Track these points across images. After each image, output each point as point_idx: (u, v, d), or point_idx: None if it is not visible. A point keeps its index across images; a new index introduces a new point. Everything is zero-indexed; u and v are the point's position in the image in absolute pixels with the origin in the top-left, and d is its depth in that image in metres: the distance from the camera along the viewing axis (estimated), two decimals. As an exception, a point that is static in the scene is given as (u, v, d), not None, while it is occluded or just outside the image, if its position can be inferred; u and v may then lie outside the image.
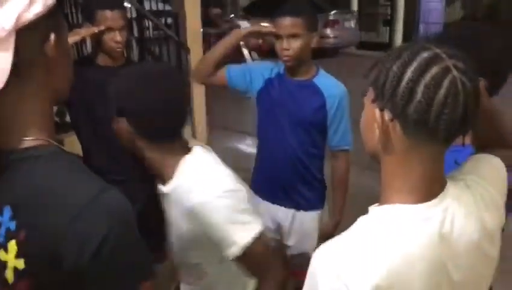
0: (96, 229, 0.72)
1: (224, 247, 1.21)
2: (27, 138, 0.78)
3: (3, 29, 0.71)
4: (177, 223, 1.30)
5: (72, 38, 1.96)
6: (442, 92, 0.74)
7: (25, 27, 0.73)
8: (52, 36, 0.78)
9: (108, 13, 1.97)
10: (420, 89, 0.74)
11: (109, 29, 1.98)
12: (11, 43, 0.72)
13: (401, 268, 0.76)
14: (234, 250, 1.19)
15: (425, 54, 0.77)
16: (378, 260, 0.76)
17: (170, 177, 1.26)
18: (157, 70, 1.32)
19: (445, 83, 0.74)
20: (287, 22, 1.91)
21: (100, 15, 1.96)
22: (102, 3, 1.99)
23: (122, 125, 1.23)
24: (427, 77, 0.74)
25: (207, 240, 1.23)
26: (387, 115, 0.78)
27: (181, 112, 1.27)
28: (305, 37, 1.92)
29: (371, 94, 0.82)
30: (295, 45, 1.91)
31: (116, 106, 1.24)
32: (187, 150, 1.29)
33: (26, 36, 0.74)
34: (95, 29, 1.97)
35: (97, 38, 2.03)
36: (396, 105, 0.76)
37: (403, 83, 0.75)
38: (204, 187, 1.20)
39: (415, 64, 0.76)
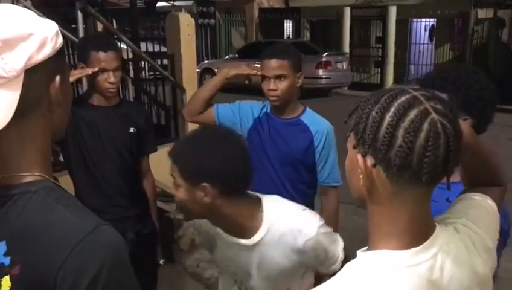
0: (90, 264, 0.73)
1: (329, 264, 1.46)
2: (24, 174, 0.79)
3: (13, 69, 0.73)
4: (276, 263, 1.39)
5: (67, 79, 1.98)
6: (422, 135, 0.73)
7: (33, 68, 0.76)
8: (58, 78, 0.81)
9: (102, 55, 1.98)
10: (400, 134, 0.73)
11: (103, 70, 1.99)
12: (20, 83, 0.74)
13: None
14: (337, 265, 1.44)
15: (403, 98, 0.76)
16: None
17: (254, 228, 1.35)
18: (216, 132, 1.42)
19: (425, 126, 0.73)
20: (274, 64, 1.98)
21: (94, 56, 1.98)
22: (96, 45, 2.02)
23: (201, 192, 1.27)
24: (407, 121, 0.73)
25: (304, 265, 1.46)
26: (369, 161, 0.77)
27: (249, 166, 1.35)
28: (291, 77, 1.99)
29: (352, 140, 0.81)
30: (281, 85, 1.98)
31: (195, 175, 1.27)
32: (256, 200, 1.40)
33: (34, 76, 0.76)
34: (89, 71, 1.98)
35: (91, 79, 2.04)
36: (377, 150, 0.75)
37: (383, 129, 0.75)
38: (306, 226, 1.36)
39: (393, 109, 0.75)
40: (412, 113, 0.74)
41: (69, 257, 0.72)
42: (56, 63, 0.80)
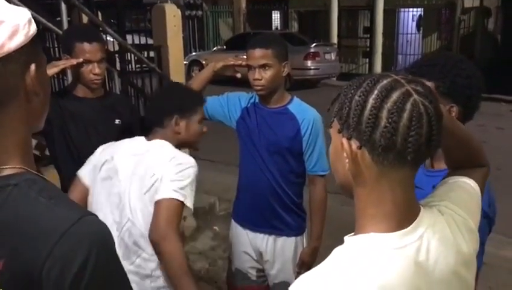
0: (76, 253, 0.72)
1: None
2: (4, 167, 0.77)
3: None
4: None
5: (51, 71, 1.95)
6: (405, 115, 0.75)
7: (7, 57, 0.74)
8: (33, 66, 0.79)
9: (86, 46, 1.97)
10: (384, 115, 0.75)
11: (88, 61, 1.98)
12: None
13: None
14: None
15: (385, 81, 0.78)
16: None
17: None
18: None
19: (408, 106, 0.75)
20: (258, 54, 1.99)
21: (78, 47, 1.96)
22: (80, 36, 2.00)
23: None
24: (390, 103, 0.76)
25: None
26: (354, 144, 0.79)
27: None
28: (275, 66, 1.99)
29: (336, 125, 0.83)
30: (266, 74, 1.99)
31: None
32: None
33: (7, 65, 0.75)
34: (74, 62, 1.96)
35: (76, 71, 2.02)
36: (362, 133, 0.77)
37: (367, 111, 0.76)
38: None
39: (376, 92, 0.77)
40: (395, 95, 0.76)
41: (55, 247, 0.71)
42: (30, 51, 0.79)
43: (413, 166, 0.80)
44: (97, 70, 2.00)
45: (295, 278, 2.25)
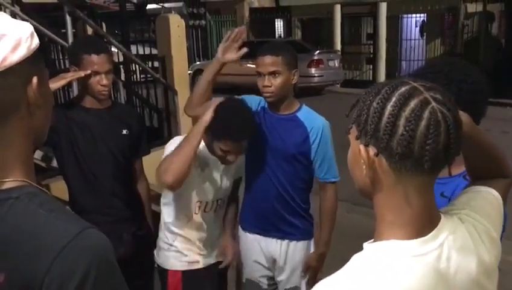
0: (76, 267, 0.71)
1: None
2: (6, 180, 0.77)
3: None
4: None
5: (59, 83, 1.97)
6: (423, 123, 0.74)
7: (9, 69, 0.74)
8: (35, 79, 0.79)
9: (94, 57, 1.98)
10: (402, 123, 0.75)
11: (95, 72, 1.99)
12: None
13: None
14: None
15: (403, 88, 0.78)
16: None
17: None
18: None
19: (426, 114, 0.75)
20: (268, 61, 1.99)
21: (86, 59, 1.98)
22: (88, 48, 2.02)
23: None
24: (407, 110, 0.75)
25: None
26: (372, 151, 0.79)
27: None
28: (285, 74, 2.00)
29: (354, 131, 0.83)
30: (276, 82, 1.99)
31: None
32: None
33: (10, 78, 0.75)
34: (82, 74, 1.98)
35: (84, 82, 2.04)
36: (380, 140, 0.77)
37: (384, 118, 0.76)
38: None
39: (394, 99, 0.77)
40: (413, 103, 0.76)
41: (55, 262, 0.71)
42: (33, 64, 0.79)
43: (431, 173, 0.79)
44: (105, 82, 2.02)
45: (303, 283, 2.20)
